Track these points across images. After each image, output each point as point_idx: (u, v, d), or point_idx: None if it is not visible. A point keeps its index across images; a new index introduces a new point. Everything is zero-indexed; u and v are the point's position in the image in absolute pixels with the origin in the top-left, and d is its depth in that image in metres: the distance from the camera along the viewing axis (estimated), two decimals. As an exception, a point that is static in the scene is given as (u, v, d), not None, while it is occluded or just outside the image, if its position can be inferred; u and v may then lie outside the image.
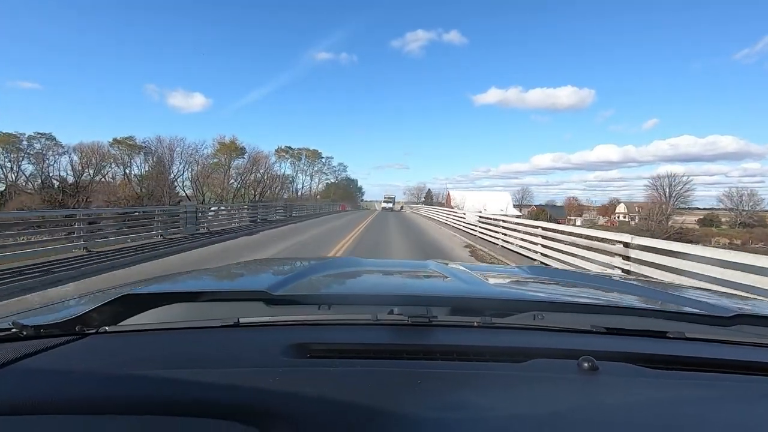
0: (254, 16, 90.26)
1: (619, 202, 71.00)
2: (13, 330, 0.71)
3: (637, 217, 59.10)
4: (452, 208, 39.49)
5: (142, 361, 0.65)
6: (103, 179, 40.83)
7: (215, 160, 46.93)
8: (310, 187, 63.33)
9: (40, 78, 67.88)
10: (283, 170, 57.81)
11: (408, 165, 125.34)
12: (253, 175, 48.08)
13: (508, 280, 1.41)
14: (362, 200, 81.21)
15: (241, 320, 0.77)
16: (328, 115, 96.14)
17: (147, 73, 71.41)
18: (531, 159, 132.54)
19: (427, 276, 1.36)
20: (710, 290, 1.37)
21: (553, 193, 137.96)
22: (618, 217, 67.43)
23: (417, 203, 61.67)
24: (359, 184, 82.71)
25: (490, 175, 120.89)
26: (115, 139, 43.04)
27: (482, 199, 56.52)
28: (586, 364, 0.62)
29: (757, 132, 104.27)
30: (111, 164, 41.87)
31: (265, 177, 50.16)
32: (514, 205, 63.20)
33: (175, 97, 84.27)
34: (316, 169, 65.20)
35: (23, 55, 50.74)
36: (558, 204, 76.31)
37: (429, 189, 77.48)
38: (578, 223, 59.96)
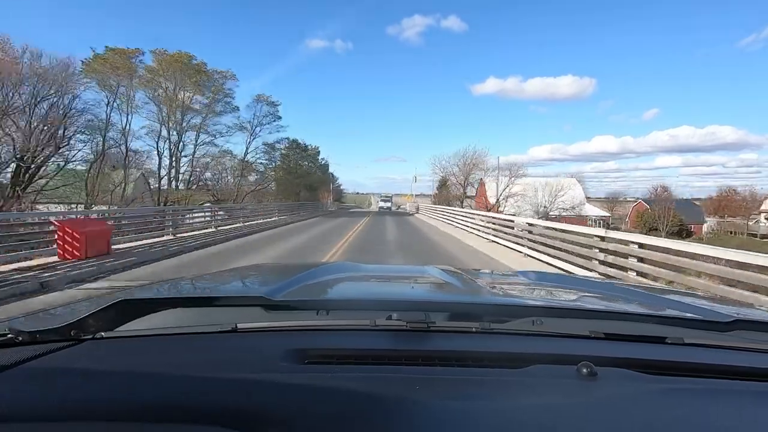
0: (249, 7, 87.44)
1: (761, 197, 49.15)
2: (9, 335, 0.71)
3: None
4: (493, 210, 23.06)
5: (138, 367, 0.65)
6: None
7: None
8: (184, 166, 25.72)
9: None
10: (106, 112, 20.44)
11: (405, 158, 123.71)
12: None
13: (507, 286, 1.40)
14: (348, 193, 51.07)
15: (239, 326, 0.77)
16: (323, 110, 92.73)
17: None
18: (529, 151, 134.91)
19: (426, 281, 1.35)
20: (709, 296, 1.42)
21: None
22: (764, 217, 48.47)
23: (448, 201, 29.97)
24: (322, 156, 43.24)
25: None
26: None
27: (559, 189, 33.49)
28: (584, 370, 0.63)
29: (757, 122, 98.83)
30: None
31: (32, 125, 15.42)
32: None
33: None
34: (186, 101, 23.81)
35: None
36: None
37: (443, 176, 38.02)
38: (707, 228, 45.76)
